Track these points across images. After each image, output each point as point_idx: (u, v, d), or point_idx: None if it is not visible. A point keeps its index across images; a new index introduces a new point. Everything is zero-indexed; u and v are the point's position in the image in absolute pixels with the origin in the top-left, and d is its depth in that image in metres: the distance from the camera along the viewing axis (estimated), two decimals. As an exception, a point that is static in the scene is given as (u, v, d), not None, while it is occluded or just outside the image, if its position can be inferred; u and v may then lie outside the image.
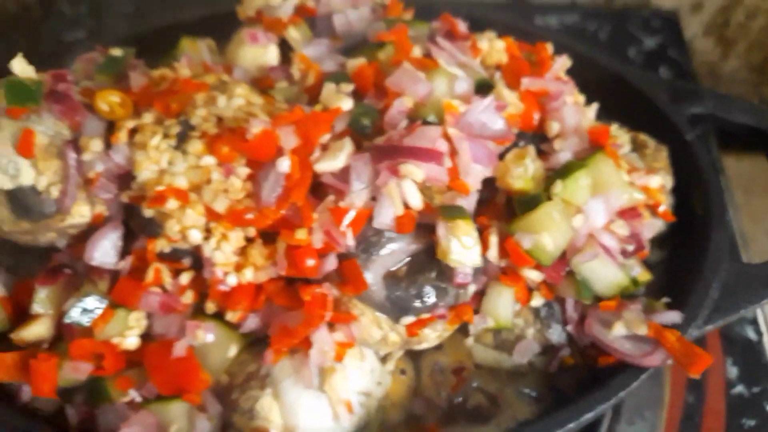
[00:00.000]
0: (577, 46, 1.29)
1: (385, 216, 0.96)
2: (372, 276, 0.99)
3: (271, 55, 1.19)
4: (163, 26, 1.40)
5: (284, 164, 0.96)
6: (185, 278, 1.02)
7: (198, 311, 1.04)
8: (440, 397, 1.08)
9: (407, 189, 0.95)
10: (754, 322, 1.53)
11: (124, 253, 1.04)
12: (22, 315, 1.10)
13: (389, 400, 1.08)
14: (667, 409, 1.41)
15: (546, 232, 1.00)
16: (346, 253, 0.98)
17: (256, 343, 1.05)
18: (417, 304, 0.99)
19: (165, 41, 1.28)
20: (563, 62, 1.17)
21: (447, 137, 0.99)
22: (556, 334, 1.08)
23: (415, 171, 0.94)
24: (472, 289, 1.03)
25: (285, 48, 1.21)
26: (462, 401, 1.09)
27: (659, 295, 1.10)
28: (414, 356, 1.11)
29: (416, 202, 0.96)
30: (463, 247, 0.95)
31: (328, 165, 0.97)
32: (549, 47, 1.18)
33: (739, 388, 1.43)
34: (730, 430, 1.36)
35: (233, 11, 1.29)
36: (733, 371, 1.46)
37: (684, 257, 1.20)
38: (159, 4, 1.90)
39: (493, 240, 1.02)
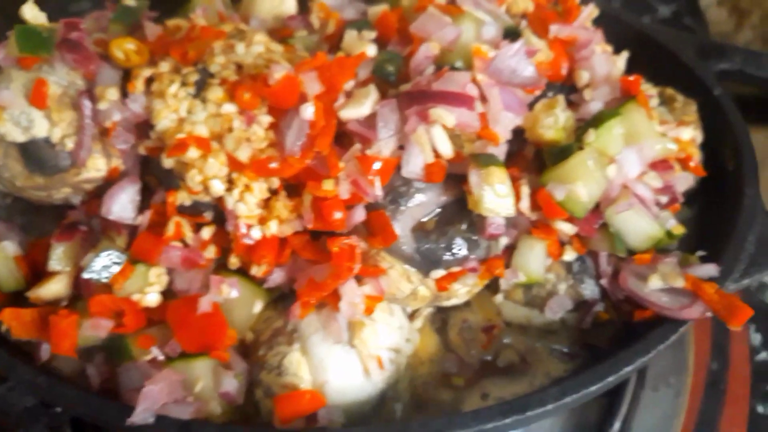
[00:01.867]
0: (598, 2, 1.25)
1: (414, 164, 0.93)
2: (401, 228, 0.96)
3: (288, 4, 1.16)
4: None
5: (308, 111, 0.92)
6: (207, 232, 0.99)
7: (221, 267, 1.01)
8: (470, 355, 1.06)
9: (437, 135, 0.92)
10: (777, 288, 1.51)
11: (141, 208, 1.01)
12: (38, 275, 1.07)
13: (418, 358, 1.05)
14: (692, 375, 1.38)
15: (580, 182, 0.97)
16: (373, 204, 0.95)
17: (280, 300, 1.03)
18: (447, 256, 0.96)
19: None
20: (590, 11, 1.14)
21: (476, 83, 0.96)
22: (589, 289, 1.05)
23: (446, 115, 0.91)
24: (503, 241, 1.00)
25: (303, -2, 1.18)
26: (493, 358, 1.06)
27: (692, 251, 1.08)
28: (442, 314, 1.09)
29: (446, 149, 0.93)
30: (497, 196, 0.92)
31: (353, 112, 0.94)
32: (575, -5, 1.14)
33: (764, 355, 1.41)
34: (756, 396, 1.34)
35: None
36: (756, 338, 1.44)
37: (715, 213, 1.17)
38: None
39: (525, 191, 0.99)
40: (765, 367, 1.39)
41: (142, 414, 0.88)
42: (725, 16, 2.27)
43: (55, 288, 1.00)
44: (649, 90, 1.21)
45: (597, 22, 1.20)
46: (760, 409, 1.34)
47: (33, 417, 1.16)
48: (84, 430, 1.11)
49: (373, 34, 1.03)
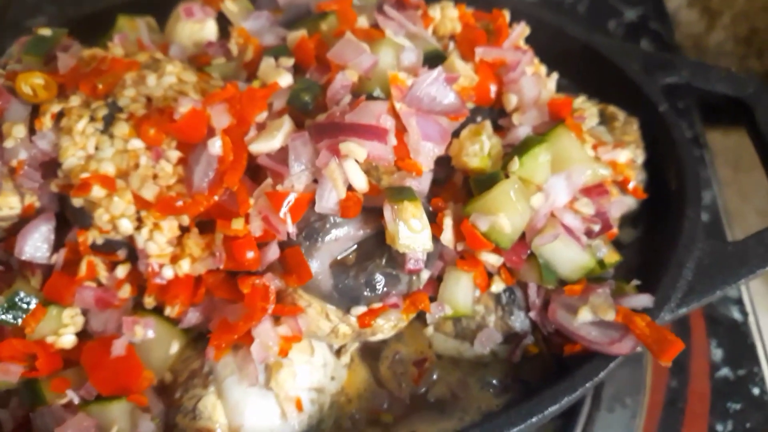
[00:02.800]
0: (543, 14, 1.21)
1: (328, 200, 0.90)
2: (318, 264, 0.92)
3: (209, 30, 1.12)
4: (108, 6, 1.31)
5: (215, 145, 0.89)
6: (122, 271, 0.96)
7: (139, 306, 0.98)
8: (401, 390, 1.02)
9: (350, 169, 0.89)
10: (739, 301, 1.47)
11: (58, 246, 0.98)
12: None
13: (345, 395, 1.02)
14: (649, 394, 1.35)
15: (503, 213, 0.93)
16: (288, 241, 0.92)
17: (201, 339, 1.00)
18: (367, 293, 0.93)
19: (110, 21, 1.21)
20: (521, 30, 1.10)
21: (394, 113, 0.92)
22: (518, 321, 1.02)
23: (357, 150, 0.87)
24: (425, 275, 0.97)
25: (226, 23, 1.14)
26: (424, 393, 1.03)
27: (632, 277, 1.04)
28: (373, 348, 1.06)
29: (360, 183, 0.90)
30: (412, 231, 0.88)
31: (263, 145, 0.91)
32: (506, 14, 1.10)
33: (725, 371, 1.37)
34: (715, 414, 1.31)
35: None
36: (717, 353, 1.40)
37: (658, 236, 1.14)
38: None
39: (447, 222, 0.95)
40: (725, 384, 1.36)
41: (49, 463, 0.85)
42: (696, 17, 2.23)
43: (-33, 331, 0.97)
44: (589, 108, 1.17)
45: (541, 34, 1.16)
46: (719, 427, 1.31)
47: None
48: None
49: (290, 62, 0.99)
